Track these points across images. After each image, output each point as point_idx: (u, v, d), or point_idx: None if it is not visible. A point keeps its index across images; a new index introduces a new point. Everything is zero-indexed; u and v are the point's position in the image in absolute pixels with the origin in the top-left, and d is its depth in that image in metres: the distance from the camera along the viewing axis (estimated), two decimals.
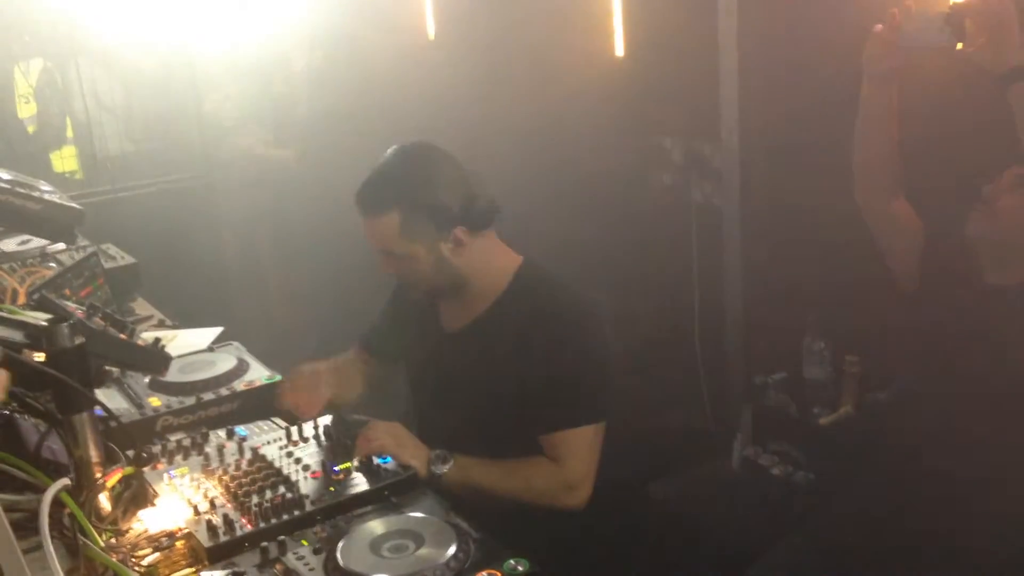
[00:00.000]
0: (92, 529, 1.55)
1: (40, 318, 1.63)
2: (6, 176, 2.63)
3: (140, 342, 1.82)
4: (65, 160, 4.53)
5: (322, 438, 1.98)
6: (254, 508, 1.69)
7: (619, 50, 3.37)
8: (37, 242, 3.29)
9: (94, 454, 1.65)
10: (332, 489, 1.77)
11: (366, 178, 2.04)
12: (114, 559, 1.52)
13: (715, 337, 3.31)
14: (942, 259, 2.19)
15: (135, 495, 1.73)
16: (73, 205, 2.71)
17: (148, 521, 1.67)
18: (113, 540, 1.59)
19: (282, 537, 1.61)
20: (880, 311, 2.56)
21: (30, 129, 4.43)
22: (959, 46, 1.90)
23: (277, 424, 2.12)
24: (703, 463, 3.29)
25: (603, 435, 2.01)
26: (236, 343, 2.51)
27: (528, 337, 2.00)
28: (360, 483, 1.80)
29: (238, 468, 1.85)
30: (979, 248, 2.12)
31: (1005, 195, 2.05)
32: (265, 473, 1.83)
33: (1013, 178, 2.06)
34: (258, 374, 2.31)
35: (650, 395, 3.52)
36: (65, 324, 1.56)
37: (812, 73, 2.71)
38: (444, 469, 1.92)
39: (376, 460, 1.86)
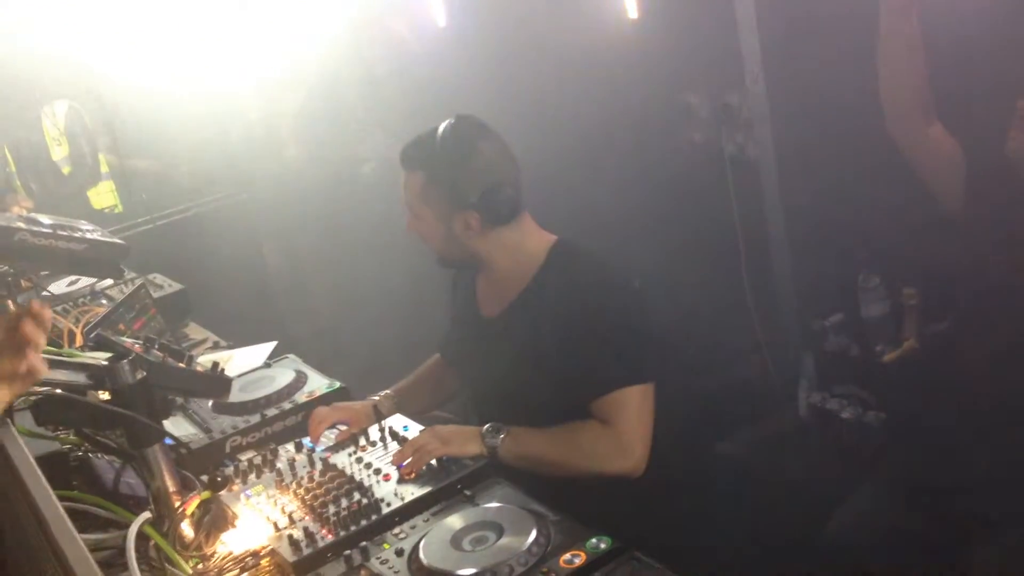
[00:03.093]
0: (178, 558, 1.58)
1: (100, 357, 1.66)
2: (47, 221, 2.66)
3: (199, 368, 1.84)
4: (103, 196, 4.59)
5: (388, 440, 2.00)
6: (332, 517, 1.71)
7: (632, 12, 3.32)
8: (85, 281, 3.35)
9: (170, 484, 1.68)
10: (406, 489, 1.79)
11: (415, 136, 2.12)
12: None
13: (766, 288, 3.27)
14: (986, 179, 2.14)
15: (215, 519, 1.75)
16: (116, 240, 2.75)
17: (231, 543, 1.70)
18: (200, 566, 1.62)
19: (364, 543, 1.63)
20: (932, 240, 2.51)
21: (65, 170, 4.50)
22: None
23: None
24: (770, 415, 3.26)
25: (652, 399, 1.99)
26: (291, 355, 2.54)
27: (566, 311, 2.01)
28: (432, 480, 1.81)
29: (311, 479, 1.87)
30: (1021, 163, 2.06)
31: None
32: (338, 481, 1.84)
33: None
34: (317, 384, 2.33)
35: (707, 355, 3.50)
36: (125, 361, 1.58)
37: (832, 7, 2.65)
38: (499, 439, 1.92)
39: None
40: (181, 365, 1.78)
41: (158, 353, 1.79)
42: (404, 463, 1.85)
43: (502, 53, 3.83)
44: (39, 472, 1.33)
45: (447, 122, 2.07)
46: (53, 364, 1.61)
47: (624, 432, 1.95)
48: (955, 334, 2.59)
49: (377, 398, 2.27)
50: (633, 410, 1.96)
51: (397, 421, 2.08)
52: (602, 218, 3.55)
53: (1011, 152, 2.07)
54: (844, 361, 2.96)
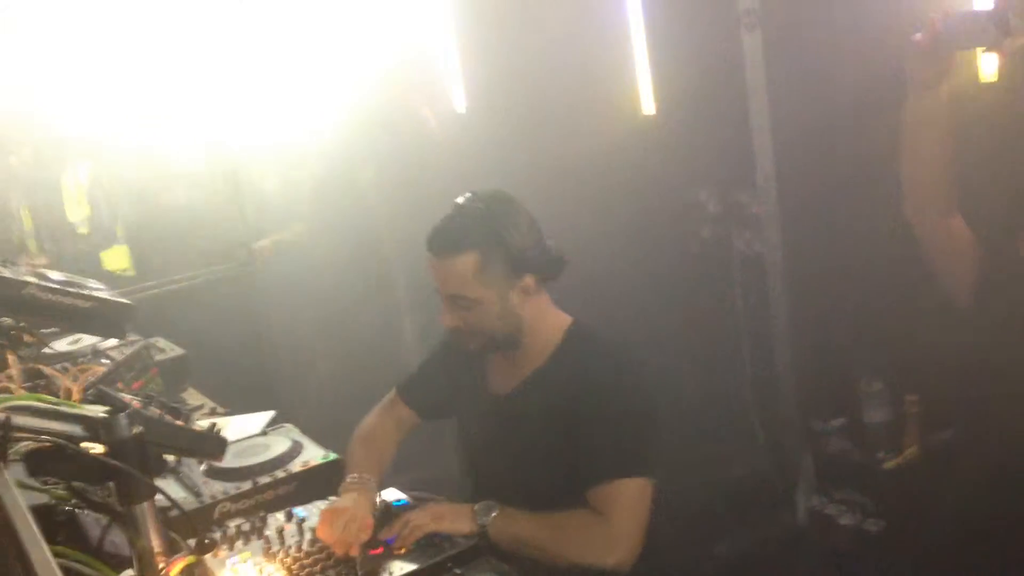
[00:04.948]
0: None
1: (98, 410, 1.65)
2: (57, 277, 2.67)
3: (196, 428, 1.82)
4: (116, 258, 4.63)
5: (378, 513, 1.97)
6: None
7: (649, 108, 3.39)
8: (88, 340, 3.35)
9: (156, 544, 1.64)
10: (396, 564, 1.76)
11: (441, 221, 2.04)
12: None
13: (769, 387, 3.25)
14: (998, 280, 2.12)
15: None
16: (124, 300, 2.75)
17: None
18: None
19: None
20: (936, 348, 2.50)
21: (82, 230, 4.55)
22: (1006, 42, 1.82)
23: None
24: (767, 517, 3.21)
25: (649, 495, 1.95)
26: (289, 425, 2.52)
27: (577, 395, 1.99)
28: (423, 556, 1.78)
29: (299, 550, 1.84)
30: None
31: None
32: (327, 553, 1.82)
33: None
34: (313, 454, 2.30)
35: (706, 452, 3.46)
36: (123, 414, 1.57)
37: (842, 110, 2.70)
38: (490, 518, 1.89)
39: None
40: (179, 423, 1.77)
41: (156, 410, 1.78)
42: (394, 537, 1.82)
43: (519, 141, 3.89)
44: (33, 524, 1.30)
45: (470, 198, 2.05)
46: (49, 415, 1.61)
47: (614, 525, 1.91)
48: (957, 443, 2.57)
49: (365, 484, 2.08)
50: (627, 503, 1.92)
51: (389, 495, 2.05)
52: (608, 308, 3.56)
53: None
54: (845, 465, 2.94)
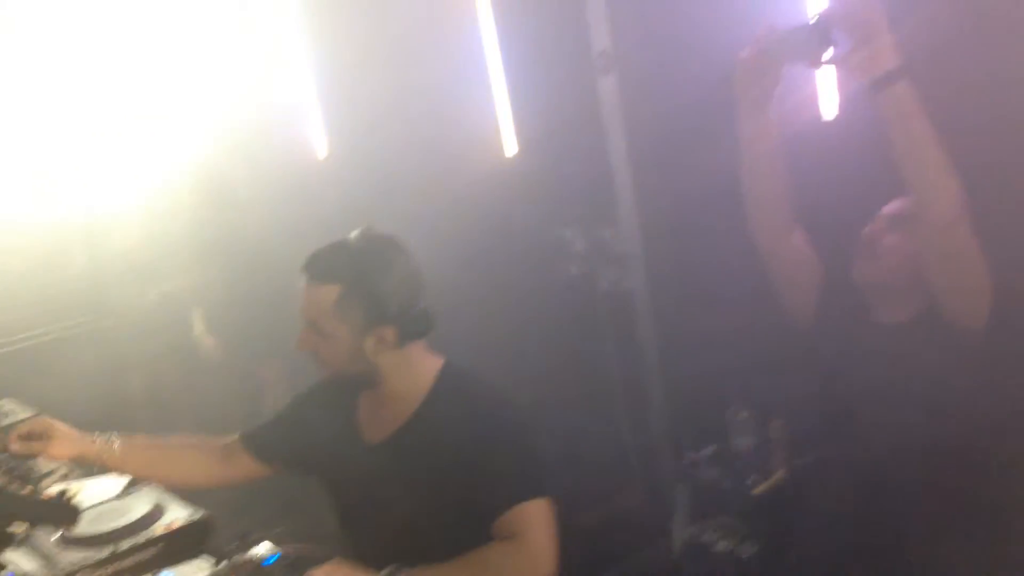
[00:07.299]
0: None
1: None
2: None
3: (45, 495, 1.71)
4: None
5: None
6: None
7: (510, 149, 3.43)
8: None
9: None
10: None
11: (322, 247, 2.02)
12: None
13: (640, 421, 3.30)
14: (836, 297, 2.20)
15: None
16: None
17: None
18: None
19: None
20: (795, 373, 2.59)
21: None
22: (827, 55, 1.83)
23: (207, 562, 2.01)
24: (644, 550, 3.24)
25: (552, 514, 1.92)
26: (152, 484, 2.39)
27: (460, 434, 1.96)
28: None
29: None
30: (865, 289, 2.15)
31: (884, 236, 2.09)
32: None
33: (887, 219, 2.09)
34: (178, 514, 2.19)
35: (580, 489, 3.47)
36: None
37: (700, 145, 2.77)
38: None
39: None
40: (26, 491, 1.65)
41: (0, 479, 1.66)
42: None
43: (382, 186, 3.87)
44: None
45: (359, 233, 2.02)
46: None
47: (533, 545, 1.86)
48: (821, 463, 2.66)
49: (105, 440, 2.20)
50: (539, 523, 1.89)
51: (260, 550, 1.96)
52: (477, 349, 3.54)
53: (855, 279, 2.14)
54: (717, 493, 2.99)
